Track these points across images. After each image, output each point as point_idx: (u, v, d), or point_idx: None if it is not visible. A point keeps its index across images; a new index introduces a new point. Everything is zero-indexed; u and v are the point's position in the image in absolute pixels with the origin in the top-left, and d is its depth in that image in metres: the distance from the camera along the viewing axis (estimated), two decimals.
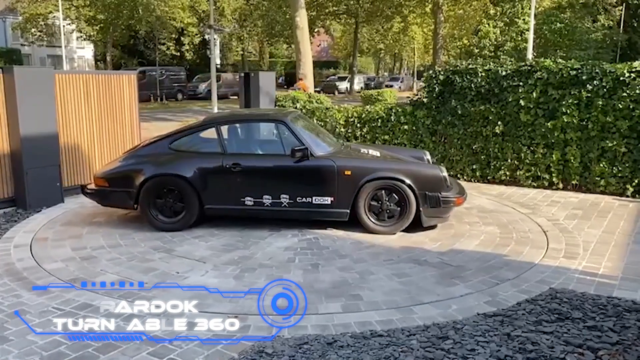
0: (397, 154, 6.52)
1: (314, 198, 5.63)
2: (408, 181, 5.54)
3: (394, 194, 5.61)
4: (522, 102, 7.71)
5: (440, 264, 4.87)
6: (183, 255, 5.04)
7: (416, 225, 5.73)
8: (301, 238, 5.59)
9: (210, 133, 5.90)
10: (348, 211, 5.64)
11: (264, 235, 5.64)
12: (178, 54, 35.45)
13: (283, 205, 5.67)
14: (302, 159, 5.60)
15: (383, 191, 5.62)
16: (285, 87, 38.23)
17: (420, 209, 5.59)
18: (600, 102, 7.21)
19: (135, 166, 5.82)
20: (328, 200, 5.62)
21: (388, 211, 5.66)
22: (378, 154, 6.29)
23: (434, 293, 4.22)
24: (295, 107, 10.11)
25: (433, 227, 5.86)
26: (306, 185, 5.66)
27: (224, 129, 6.00)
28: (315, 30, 38.08)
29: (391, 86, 42.17)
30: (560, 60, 7.81)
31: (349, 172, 5.57)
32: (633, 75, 7.06)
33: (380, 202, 5.65)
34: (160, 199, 5.73)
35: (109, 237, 5.54)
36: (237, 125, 6.29)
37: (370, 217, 5.67)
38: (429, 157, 6.78)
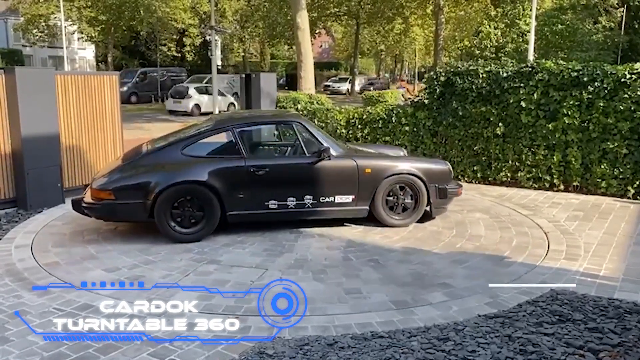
0: (384, 150, 6.87)
1: (336, 197, 5.71)
2: (422, 176, 5.91)
3: (407, 189, 5.94)
4: (523, 104, 7.70)
5: (477, 248, 5.33)
6: (236, 264, 4.83)
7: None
8: (332, 237, 5.67)
9: (225, 136, 5.71)
10: (368, 208, 5.85)
11: (291, 238, 5.63)
12: (179, 55, 35.47)
13: (307, 206, 5.67)
14: (324, 159, 5.64)
15: (398, 186, 5.90)
16: (286, 88, 38.24)
17: (431, 201, 5.98)
18: (601, 104, 7.21)
19: (147, 175, 5.37)
20: (350, 198, 5.76)
21: (403, 205, 5.96)
22: (377, 152, 6.58)
23: (504, 274, 4.63)
24: (297, 108, 10.12)
25: (433, 217, 6.22)
26: (329, 185, 5.69)
27: (240, 131, 5.73)
28: (317, 31, 38.07)
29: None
30: (561, 61, 7.80)
31: (369, 170, 5.77)
32: (634, 76, 7.05)
33: (396, 197, 5.92)
34: (177, 208, 5.36)
35: (131, 255, 5.06)
36: (253, 127, 6.11)
37: (387, 212, 5.90)
38: (405, 152, 7.22)
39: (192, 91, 24.16)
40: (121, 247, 5.28)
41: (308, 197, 5.64)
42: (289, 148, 6.14)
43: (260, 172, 5.49)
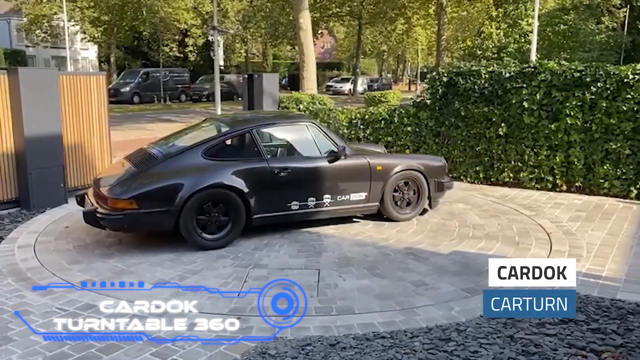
0: (369, 148, 7.17)
1: (351, 195, 5.87)
2: (424, 171, 6.24)
3: (410, 184, 6.23)
4: (525, 104, 7.69)
5: (488, 235, 5.77)
6: (284, 267, 4.78)
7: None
8: (351, 234, 5.81)
9: (244, 138, 5.63)
10: (378, 204, 6.07)
11: (314, 238, 5.66)
12: (181, 55, 35.52)
13: (325, 205, 5.75)
14: (340, 159, 5.75)
15: (402, 182, 6.17)
16: (289, 88, 38.26)
17: (431, 195, 6.32)
18: (604, 104, 7.19)
19: (172, 180, 5.12)
20: (363, 195, 5.93)
21: (408, 199, 6.24)
22: (370, 149, 6.94)
23: (535, 257, 5.08)
24: (299, 109, 10.12)
25: (426, 210, 6.55)
26: (346, 184, 5.83)
27: (259, 132, 5.68)
28: (319, 31, 38.12)
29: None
30: (563, 62, 7.79)
31: (380, 168, 5.99)
32: (637, 77, 7.03)
33: (401, 192, 6.19)
34: (202, 214, 5.16)
35: (166, 265, 4.79)
36: (269, 128, 6.00)
37: (394, 207, 6.16)
38: (384, 149, 7.68)
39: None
40: (148, 259, 4.95)
41: (327, 196, 5.73)
42: (307, 148, 6.06)
43: (282, 174, 5.48)
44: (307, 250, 5.27)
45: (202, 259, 4.97)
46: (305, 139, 5.96)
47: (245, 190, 5.27)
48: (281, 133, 6.08)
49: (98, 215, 5.00)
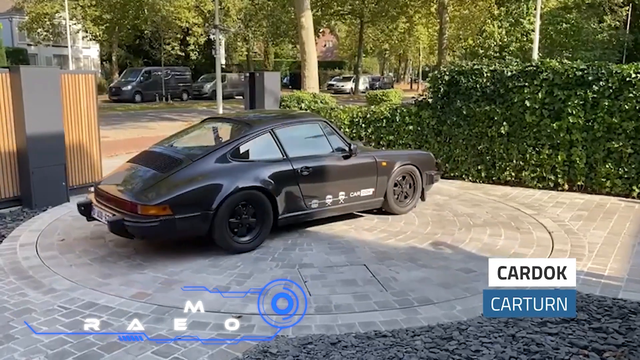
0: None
1: (361, 191, 6.06)
2: (419, 165, 6.57)
3: (407, 177, 6.52)
4: (527, 103, 7.68)
5: (487, 223, 6.16)
6: (330, 265, 4.79)
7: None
8: (366, 229, 5.94)
9: (266, 138, 5.58)
10: (383, 198, 6.29)
11: (333, 234, 5.73)
12: (183, 54, 35.49)
13: (340, 202, 5.88)
14: (352, 156, 5.91)
15: (401, 176, 6.43)
16: (290, 87, 38.24)
17: (424, 187, 6.65)
18: (606, 103, 7.18)
19: (205, 183, 4.97)
20: (371, 191, 6.14)
21: (405, 193, 6.53)
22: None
23: (543, 240, 5.52)
24: (300, 108, 10.13)
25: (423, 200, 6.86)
26: (357, 180, 6.01)
27: (278, 132, 5.63)
28: (320, 30, 38.10)
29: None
30: (566, 60, 7.77)
31: (385, 164, 6.23)
32: (639, 76, 7.01)
33: (400, 186, 6.46)
34: (232, 217, 5.04)
35: (210, 272, 4.63)
36: (287, 127, 5.89)
37: (395, 201, 6.42)
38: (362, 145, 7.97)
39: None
40: (186, 266, 4.73)
41: (342, 193, 5.86)
42: (320, 147, 6.00)
43: (305, 173, 5.53)
44: (338, 247, 5.30)
45: (241, 263, 4.84)
46: (319, 137, 6.01)
47: (274, 190, 5.27)
48: (298, 132, 6.02)
49: (127, 223, 4.66)
